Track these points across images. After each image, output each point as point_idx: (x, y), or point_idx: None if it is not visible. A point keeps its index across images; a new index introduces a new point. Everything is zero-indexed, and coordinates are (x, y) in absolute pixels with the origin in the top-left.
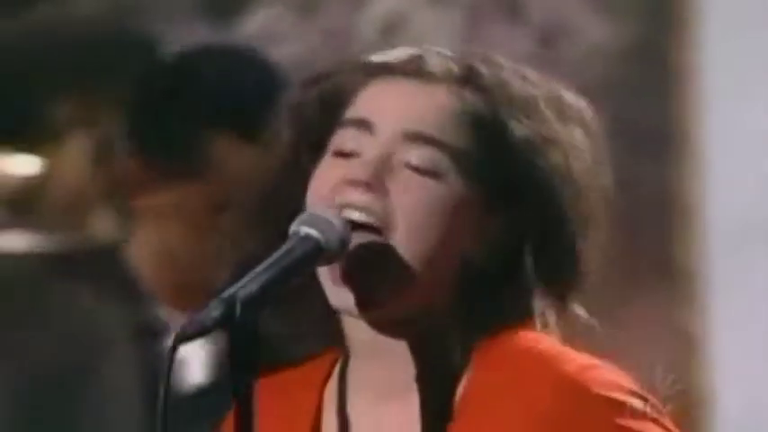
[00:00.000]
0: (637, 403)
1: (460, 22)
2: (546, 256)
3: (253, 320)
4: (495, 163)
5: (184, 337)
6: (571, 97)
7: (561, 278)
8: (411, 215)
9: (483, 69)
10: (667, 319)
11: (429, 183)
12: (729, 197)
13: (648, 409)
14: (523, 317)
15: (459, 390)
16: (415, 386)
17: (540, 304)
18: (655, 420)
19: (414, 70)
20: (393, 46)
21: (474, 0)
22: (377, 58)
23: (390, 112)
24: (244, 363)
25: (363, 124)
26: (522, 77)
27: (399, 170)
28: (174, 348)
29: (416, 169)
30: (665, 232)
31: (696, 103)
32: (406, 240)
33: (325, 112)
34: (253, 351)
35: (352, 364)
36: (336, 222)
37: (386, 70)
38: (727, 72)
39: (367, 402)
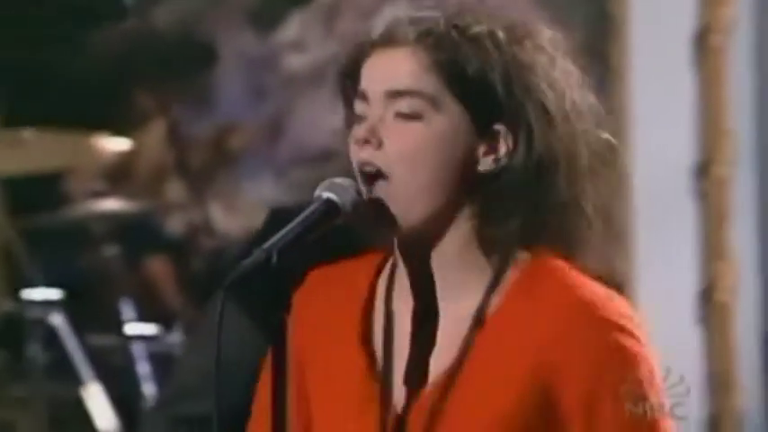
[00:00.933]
0: (630, 326)
1: None
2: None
3: (286, 265)
4: (465, 95)
5: (233, 282)
6: (537, 27)
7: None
8: (405, 154)
9: (440, 27)
10: None
11: (414, 125)
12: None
13: (637, 331)
14: (544, 242)
15: (494, 300)
16: (450, 295)
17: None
18: (641, 341)
19: (386, 41)
20: None
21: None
22: (366, 36)
23: (375, 80)
24: (278, 301)
25: (362, 94)
26: (482, 20)
27: (390, 123)
28: (226, 292)
29: (401, 116)
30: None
31: (626, 93)
32: (408, 175)
33: (351, 86)
34: (285, 291)
35: (399, 267)
36: (351, 189)
37: (372, 46)
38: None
39: (409, 304)
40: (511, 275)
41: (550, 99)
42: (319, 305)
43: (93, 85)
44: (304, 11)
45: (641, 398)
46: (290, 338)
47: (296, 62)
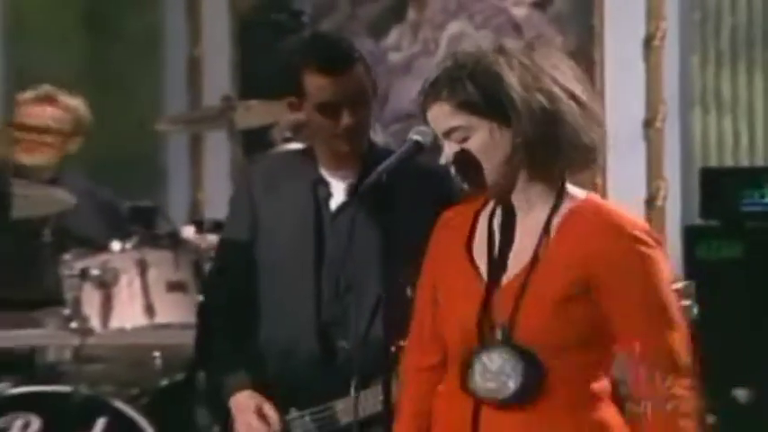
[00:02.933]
0: (647, 239)
1: None
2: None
3: (390, 183)
4: (484, 115)
5: (360, 193)
6: (548, 48)
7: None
8: (473, 149)
9: (456, 81)
10: None
11: (469, 143)
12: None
13: (652, 242)
14: (580, 167)
15: (555, 219)
16: (532, 215)
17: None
18: (656, 248)
19: (428, 103)
20: None
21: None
22: (425, 86)
23: (436, 126)
24: (387, 205)
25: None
26: (486, 60)
27: (456, 145)
28: (360, 201)
29: (459, 141)
30: None
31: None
32: (483, 157)
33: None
34: (389, 199)
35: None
36: (430, 133)
37: (425, 102)
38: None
39: (503, 221)
40: (565, 204)
41: (554, 86)
42: (445, 232)
43: (283, 74)
44: (400, 25)
45: (653, 286)
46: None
47: (394, 57)
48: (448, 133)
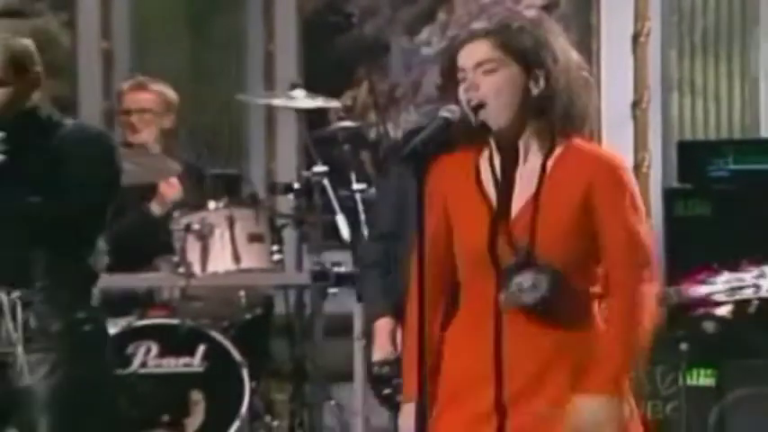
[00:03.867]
0: (625, 167)
1: None
2: (552, 88)
3: (425, 151)
4: (516, 58)
5: (404, 156)
6: (541, 16)
7: (565, 95)
8: (491, 90)
9: (496, 26)
10: None
11: (493, 76)
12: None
13: (629, 170)
14: (568, 127)
15: (549, 162)
16: (519, 156)
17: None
18: (630, 174)
19: (470, 39)
20: None
21: None
22: (457, 38)
23: (469, 58)
24: (423, 168)
25: (461, 68)
26: (548, 26)
27: (480, 78)
28: (401, 162)
29: (486, 72)
30: None
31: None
32: (494, 102)
33: (450, 65)
34: (427, 164)
35: (493, 150)
36: (457, 111)
37: (462, 42)
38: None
39: (503, 165)
40: (558, 147)
41: (560, 51)
42: (449, 170)
43: (338, 65)
44: (431, 25)
45: (631, 199)
46: (432, 189)
47: (426, 51)
48: (480, 64)
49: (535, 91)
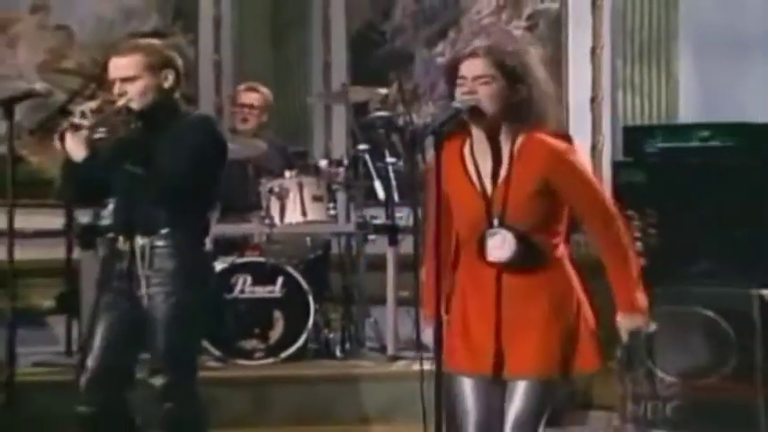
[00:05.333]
0: (576, 151)
1: None
2: (529, 96)
3: (441, 131)
4: (504, 75)
5: (427, 134)
6: (522, 41)
7: (538, 101)
8: (485, 96)
9: (491, 44)
10: None
11: (487, 86)
12: None
13: (580, 154)
14: (533, 124)
15: (515, 149)
16: (497, 146)
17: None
18: (581, 158)
19: (471, 55)
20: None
21: None
22: (461, 53)
23: (468, 70)
24: (440, 142)
25: (462, 76)
26: (507, 40)
27: (478, 86)
28: (420, 140)
29: (482, 84)
30: None
31: None
32: (487, 105)
33: (453, 73)
34: (442, 140)
35: (477, 137)
36: (466, 104)
37: (464, 57)
38: None
39: (480, 152)
40: (521, 137)
41: (534, 70)
42: (445, 157)
43: (376, 71)
44: (444, 41)
45: (585, 177)
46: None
47: (440, 60)
48: (477, 78)
49: (515, 99)
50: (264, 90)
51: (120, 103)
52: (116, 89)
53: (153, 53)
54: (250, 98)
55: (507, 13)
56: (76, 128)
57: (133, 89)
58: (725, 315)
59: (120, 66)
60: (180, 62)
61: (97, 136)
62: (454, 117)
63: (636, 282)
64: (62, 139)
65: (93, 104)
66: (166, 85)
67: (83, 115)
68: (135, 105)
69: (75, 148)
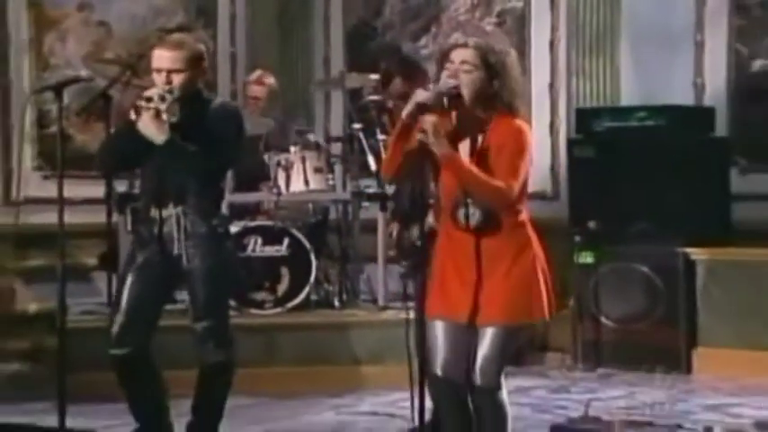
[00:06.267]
0: (528, 130)
1: None
2: (502, 89)
3: (438, 102)
4: (485, 66)
5: (418, 110)
6: (505, 43)
7: (509, 94)
8: (467, 83)
9: (481, 40)
10: None
11: (470, 74)
12: None
13: (529, 133)
14: (507, 109)
15: (486, 129)
16: (473, 127)
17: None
18: (530, 136)
19: (460, 46)
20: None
21: None
22: (451, 44)
23: (456, 58)
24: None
25: (450, 61)
26: (494, 39)
27: (461, 72)
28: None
29: (465, 70)
30: None
31: None
32: (468, 90)
33: (443, 59)
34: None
35: (455, 120)
36: (446, 87)
37: (454, 47)
38: None
39: (460, 131)
40: (494, 119)
41: (510, 70)
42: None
43: (369, 61)
44: (427, 35)
45: (520, 153)
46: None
47: (424, 52)
48: (463, 62)
49: (490, 90)
50: (270, 81)
51: (160, 80)
52: (161, 78)
53: (194, 49)
54: (255, 91)
55: (480, 11)
56: (157, 113)
57: (178, 79)
58: (656, 270)
59: (167, 58)
60: (206, 55)
61: (172, 120)
62: (449, 91)
63: (481, 179)
64: (138, 114)
65: (157, 90)
66: (202, 77)
67: (162, 99)
68: (178, 93)
69: (158, 131)
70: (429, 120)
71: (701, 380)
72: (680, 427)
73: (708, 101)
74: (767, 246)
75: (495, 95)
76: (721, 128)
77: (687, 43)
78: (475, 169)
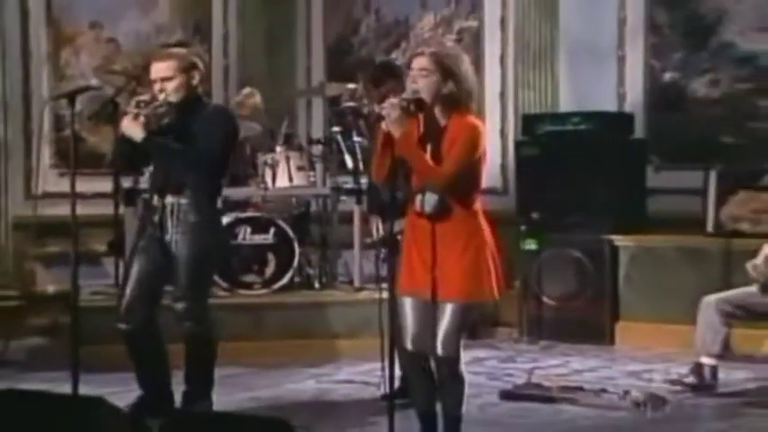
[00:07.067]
0: (482, 126)
1: None
2: (456, 89)
3: (408, 106)
4: (439, 71)
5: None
6: (458, 50)
7: (463, 94)
8: (424, 87)
9: (435, 48)
10: None
11: (427, 78)
12: None
13: (483, 127)
14: (461, 108)
15: (445, 127)
16: (434, 126)
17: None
18: (484, 131)
19: (417, 55)
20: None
21: None
22: (412, 54)
23: (416, 65)
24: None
25: (412, 69)
26: (448, 47)
27: (420, 78)
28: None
29: (422, 75)
30: None
31: None
32: (426, 94)
33: (408, 67)
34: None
35: (422, 122)
36: (409, 95)
37: (413, 56)
38: None
39: (425, 130)
40: (451, 117)
41: (463, 71)
42: (410, 131)
43: (346, 72)
44: (398, 49)
45: (470, 147)
46: None
47: (397, 56)
48: (420, 70)
49: (445, 91)
50: (254, 100)
51: (161, 97)
52: (157, 87)
53: (183, 59)
54: (239, 108)
55: (442, 29)
56: (136, 116)
57: (170, 86)
58: (587, 255)
59: (159, 69)
60: (202, 65)
61: (146, 115)
62: (414, 97)
63: (423, 161)
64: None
65: (144, 97)
66: (193, 82)
67: (138, 105)
68: (172, 99)
69: (136, 131)
70: (388, 105)
71: (622, 350)
72: (604, 390)
73: (628, 108)
74: (677, 233)
75: (451, 94)
76: (639, 131)
77: (611, 58)
78: (421, 153)
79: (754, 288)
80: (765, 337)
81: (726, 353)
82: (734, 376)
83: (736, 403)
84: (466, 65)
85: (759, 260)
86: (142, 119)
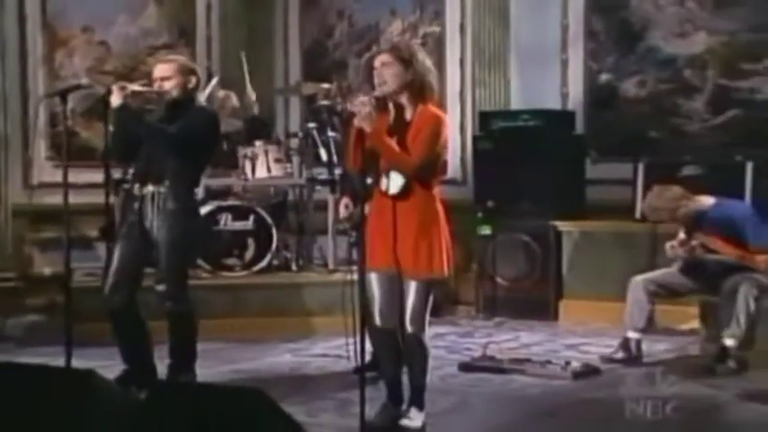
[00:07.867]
0: (444, 117)
1: None
2: (417, 74)
3: (377, 104)
4: (401, 62)
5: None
6: (412, 45)
7: (424, 78)
8: (389, 79)
9: (400, 46)
10: None
11: (390, 69)
12: None
13: (446, 119)
14: (426, 94)
15: (412, 116)
16: (402, 115)
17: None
18: (447, 122)
19: (381, 52)
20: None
21: None
22: (376, 52)
23: (379, 61)
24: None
25: (376, 67)
26: (402, 42)
27: (385, 71)
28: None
29: (386, 68)
30: None
31: None
32: (391, 86)
33: (370, 65)
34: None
35: (391, 114)
36: (381, 93)
37: (378, 53)
38: None
39: (394, 121)
40: (417, 108)
41: (420, 59)
42: (379, 123)
43: (321, 74)
44: (369, 52)
45: (434, 136)
46: None
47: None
48: (383, 64)
49: (408, 77)
50: (231, 103)
51: (155, 86)
52: (156, 84)
53: (184, 64)
54: (228, 106)
55: (409, 34)
56: (122, 88)
57: (167, 84)
58: (535, 239)
59: (161, 69)
60: (200, 72)
61: (134, 91)
62: (374, 100)
63: (395, 152)
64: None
65: (136, 86)
66: (189, 86)
67: (123, 89)
68: (166, 93)
69: (115, 98)
70: (358, 102)
71: (564, 325)
72: (549, 362)
73: (570, 106)
74: (613, 219)
75: (414, 81)
76: (579, 127)
77: (556, 61)
78: (393, 144)
79: (674, 268)
80: (683, 313)
81: (649, 327)
82: (656, 347)
83: (657, 371)
84: (421, 54)
85: (675, 242)
86: (124, 92)
